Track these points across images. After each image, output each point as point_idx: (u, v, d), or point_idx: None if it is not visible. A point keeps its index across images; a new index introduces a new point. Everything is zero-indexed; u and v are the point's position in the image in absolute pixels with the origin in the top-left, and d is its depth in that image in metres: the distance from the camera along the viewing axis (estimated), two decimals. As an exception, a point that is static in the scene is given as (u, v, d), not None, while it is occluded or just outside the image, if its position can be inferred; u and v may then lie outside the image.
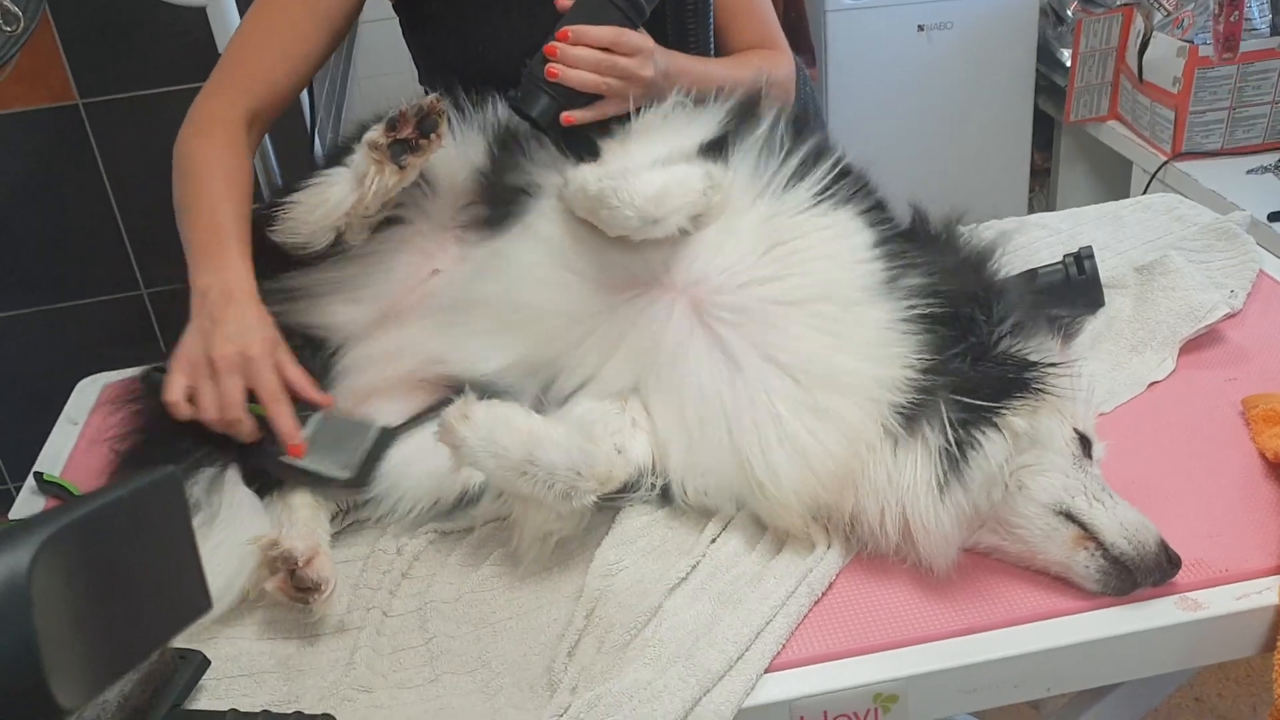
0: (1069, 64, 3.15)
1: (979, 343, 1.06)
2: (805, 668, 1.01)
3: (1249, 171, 2.74)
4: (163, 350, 1.24)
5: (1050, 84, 3.35)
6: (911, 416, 1.05)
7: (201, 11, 1.98)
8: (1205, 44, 2.78)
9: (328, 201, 1.23)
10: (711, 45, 1.51)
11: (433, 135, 1.20)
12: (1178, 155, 2.83)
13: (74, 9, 2.15)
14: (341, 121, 2.82)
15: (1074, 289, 1.41)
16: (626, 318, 1.16)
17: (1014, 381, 1.05)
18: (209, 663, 1.05)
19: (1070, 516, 1.04)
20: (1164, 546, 1.02)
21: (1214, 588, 1.04)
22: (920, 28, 3.20)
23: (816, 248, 1.13)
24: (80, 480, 1.34)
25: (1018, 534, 1.05)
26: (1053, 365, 1.08)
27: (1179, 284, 1.39)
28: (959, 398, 1.04)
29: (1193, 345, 1.36)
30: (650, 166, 1.12)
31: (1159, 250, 1.54)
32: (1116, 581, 1.02)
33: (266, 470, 1.20)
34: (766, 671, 1.00)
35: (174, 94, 2.26)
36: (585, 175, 1.11)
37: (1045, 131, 3.53)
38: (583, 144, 1.26)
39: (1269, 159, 2.78)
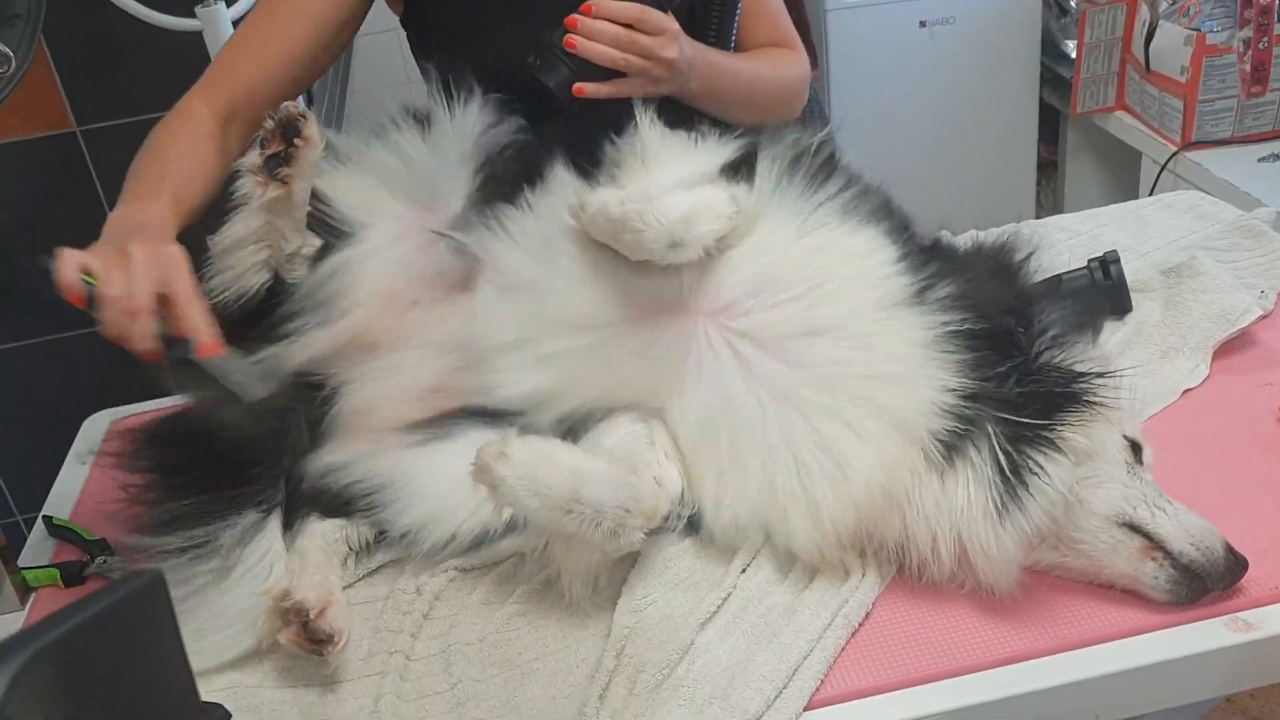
0: (1074, 56, 3.11)
1: (1023, 360, 1.03)
2: (845, 704, 0.98)
3: (1260, 159, 2.71)
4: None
5: (1055, 76, 3.32)
6: (954, 443, 1.02)
7: (197, 35, 1.95)
8: (1212, 31, 2.75)
9: (234, 237, 1.21)
10: (733, 42, 1.49)
11: (297, 140, 1.17)
12: (1188, 145, 2.79)
13: (68, 36, 2.12)
14: (342, 133, 2.80)
15: (1100, 295, 1.38)
16: (651, 343, 1.12)
17: (1065, 396, 1.02)
18: (229, 716, 1.01)
19: (1134, 527, 1.02)
20: (1230, 549, 1.00)
21: (1265, 607, 1.01)
22: (922, 23, 3.17)
23: (843, 267, 1.10)
24: (90, 522, 1.31)
25: (1080, 549, 1.02)
26: (1100, 375, 1.04)
27: (1209, 286, 1.36)
28: (1008, 417, 1.01)
29: (1224, 349, 1.33)
30: (673, 189, 1.08)
31: (1184, 251, 1.50)
32: (1188, 590, 1.00)
33: (166, 382, 1.17)
34: (806, 709, 0.96)
35: (172, 118, 2.23)
36: (606, 198, 1.07)
37: (1051, 124, 3.50)
38: (588, 149, 1.22)
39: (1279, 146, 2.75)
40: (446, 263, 1.25)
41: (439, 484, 1.15)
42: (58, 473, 1.45)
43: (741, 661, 1.00)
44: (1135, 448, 1.06)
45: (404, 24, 1.55)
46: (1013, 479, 0.99)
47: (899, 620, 1.04)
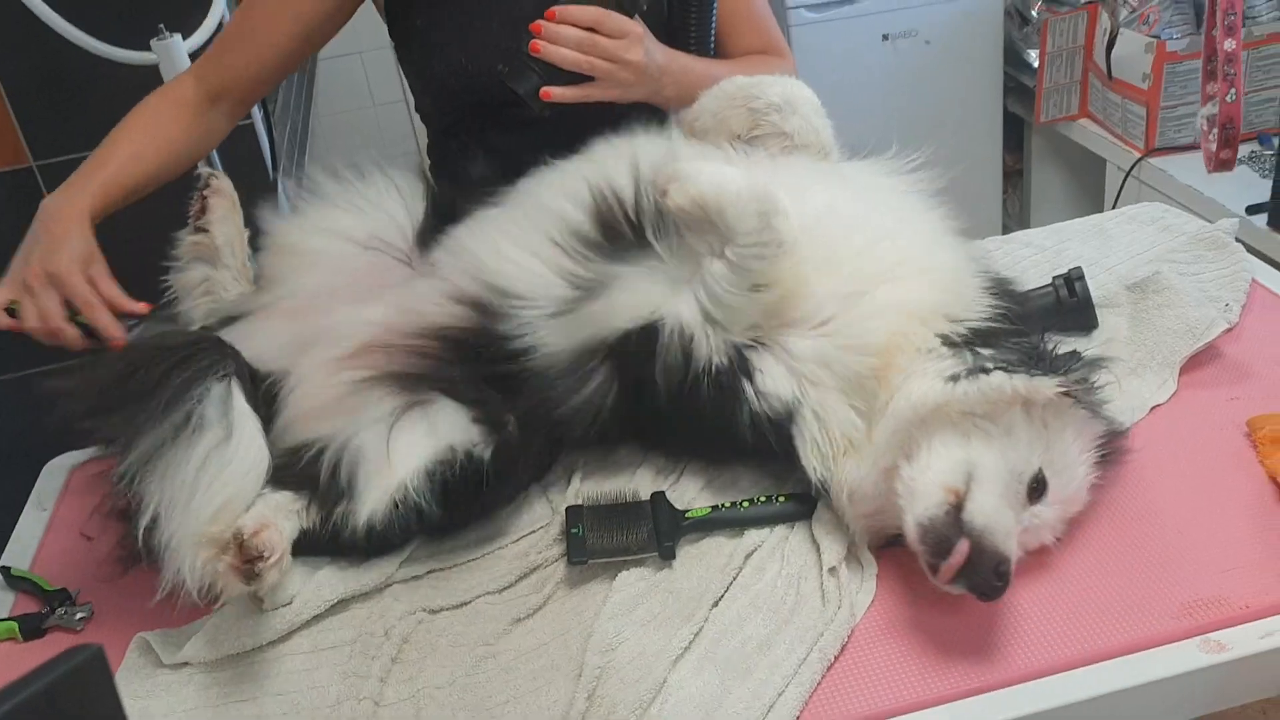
0: (1036, 65, 3.13)
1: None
2: (820, 740, 0.97)
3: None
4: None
5: (1019, 85, 3.34)
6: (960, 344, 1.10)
7: (153, 69, 1.93)
8: (1172, 38, 2.77)
9: (182, 286, 1.45)
10: (711, 47, 1.50)
11: (205, 192, 1.42)
12: (1151, 151, 2.81)
13: (21, 71, 2.09)
14: (305, 160, 2.77)
15: (1065, 312, 1.38)
16: None
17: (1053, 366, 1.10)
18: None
19: (971, 477, 1.03)
20: (1002, 565, 0.99)
21: (1237, 627, 1.00)
22: (885, 36, 3.18)
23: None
24: (50, 572, 1.28)
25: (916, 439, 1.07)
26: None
27: (1174, 301, 1.36)
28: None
29: (1190, 364, 1.33)
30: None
31: (1148, 264, 1.50)
32: (935, 534, 1.01)
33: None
34: (782, 747, 0.95)
35: (131, 151, 2.20)
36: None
37: (1016, 133, 3.51)
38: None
39: (1243, 150, 2.76)
40: (388, 268, 1.34)
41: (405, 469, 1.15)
42: (16, 520, 1.43)
43: (716, 698, 0.99)
44: (1039, 484, 1.06)
45: (390, 31, 1.57)
46: (977, 372, 1.06)
47: (874, 653, 1.03)
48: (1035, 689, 0.98)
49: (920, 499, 1.04)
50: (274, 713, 1.07)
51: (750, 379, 1.13)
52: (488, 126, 1.49)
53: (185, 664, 1.12)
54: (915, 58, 3.21)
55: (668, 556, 1.15)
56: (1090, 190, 3.26)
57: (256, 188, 1.93)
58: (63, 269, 1.27)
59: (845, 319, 1.13)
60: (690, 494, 1.23)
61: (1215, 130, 1.54)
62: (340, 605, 1.17)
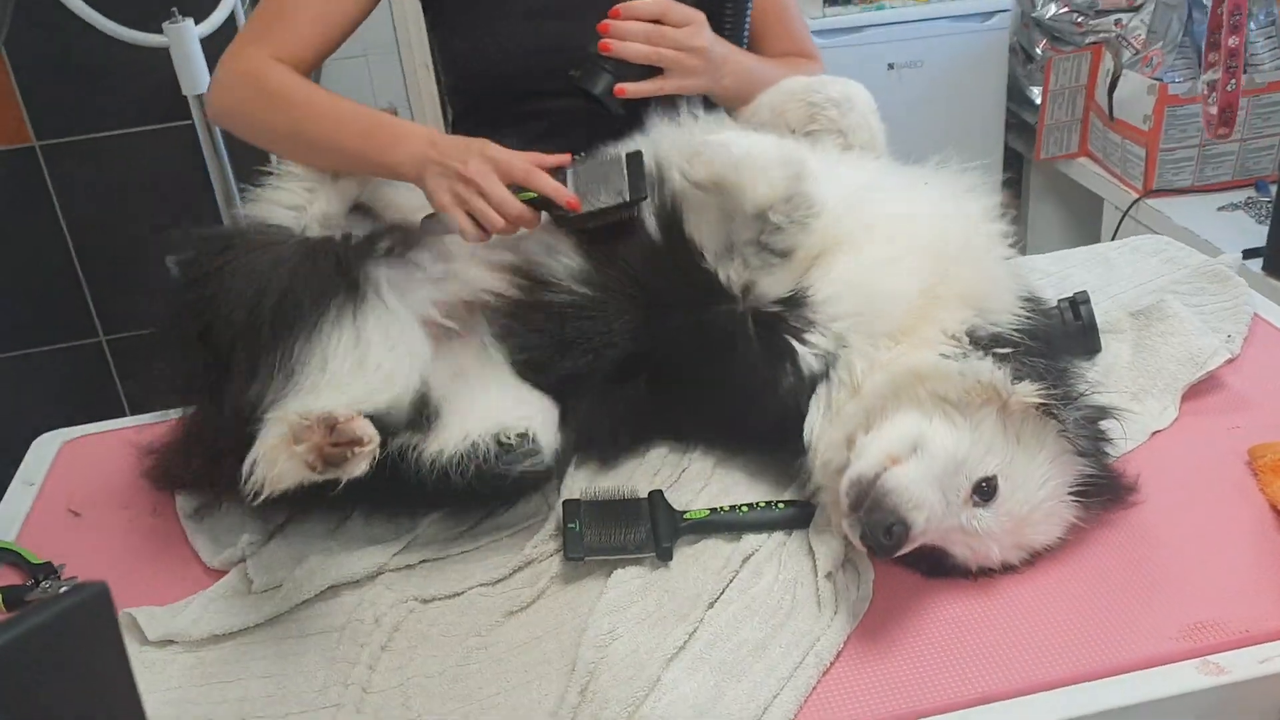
0: (1039, 102, 3.15)
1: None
2: (814, 745, 0.96)
3: (1220, 208, 2.74)
4: (122, 400, 1.19)
5: (1020, 122, 3.36)
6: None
7: (164, 51, 1.93)
8: (1175, 82, 2.79)
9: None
10: (745, 44, 1.53)
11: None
12: (1149, 192, 2.83)
13: (30, 48, 2.08)
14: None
15: (1069, 335, 1.38)
16: None
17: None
18: (176, 749, 0.98)
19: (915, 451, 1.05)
20: (896, 526, 1.00)
21: (1235, 650, 1.00)
22: (891, 66, 3.19)
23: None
24: (36, 546, 1.26)
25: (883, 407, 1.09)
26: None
27: (1178, 329, 1.36)
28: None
29: (1192, 393, 1.33)
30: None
31: (1151, 293, 1.51)
32: (858, 488, 1.02)
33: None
34: (775, 750, 0.94)
35: (134, 136, 2.19)
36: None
37: (1015, 169, 3.53)
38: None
39: (1239, 196, 2.79)
40: None
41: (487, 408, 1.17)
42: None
43: (710, 699, 0.98)
44: (988, 486, 1.06)
45: (424, 9, 1.56)
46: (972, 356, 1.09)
47: (870, 660, 1.02)
48: (1032, 703, 0.97)
49: (862, 460, 1.05)
50: (258, 695, 1.05)
51: (798, 336, 1.15)
52: (502, 120, 1.48)
53: (170, 642, 1.11)
54: (919, 88, 3.22)
55: (665, 558, 1.14)
56: (1087, 228, 3.28)
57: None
58: (493, 152, 1.21)
59: (882, 273, 1.15)
60: (687, 496, 1.22)
61: (1215, 95, 1.55)
62: (330, 591, 1.15)
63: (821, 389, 1.14)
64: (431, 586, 1.15)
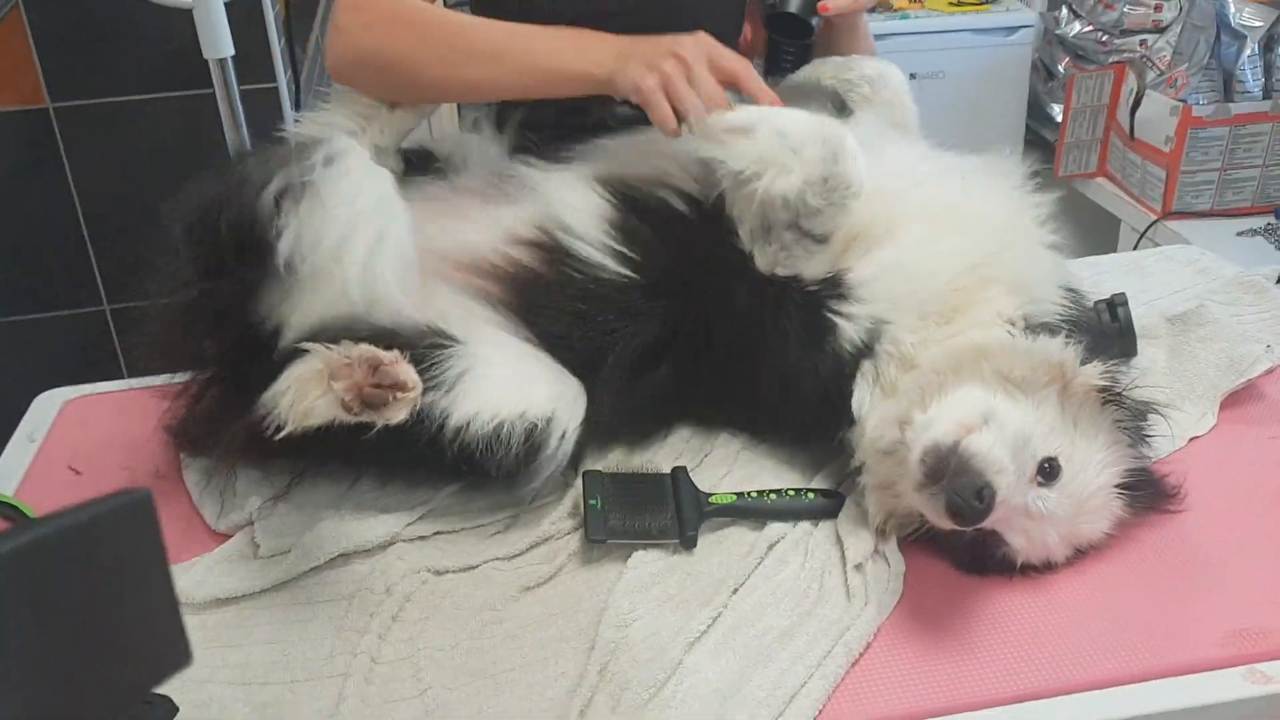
0: (1059, 119, 3.13)
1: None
2: (843, 735, 0.92)
3: (1239, 234, 2.72)
4: (123, 369, 1.14)
5: (1039, 138, 3.34)
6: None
7: (187, 14, 1.89)
8: (1199, 104, 2.77)
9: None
10: None
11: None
12: (1168, 214, 2.81)
13: (49, 7, 2.04)
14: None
15: (1105, 337, 1.34)
16: None
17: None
18: (176, 709, 0.94)
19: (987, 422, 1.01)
20: (986, 490, 0.95)
21: (1281, 659, 0.96)
22: (913, 76, 3.16)
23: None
24: (36, 501, 1.22)
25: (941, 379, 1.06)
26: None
27: (1217, 335, 1.33)
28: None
29: (1231, 401, 1.30)
30: None
31: (1186, 301, 1.48)
32: (935, 455, 0.98)
33: None
34: (803, 738, 0.90)
35: (151, 102, 2.15)
36: None
37: (1032, 186, 3.51)
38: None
39: (1258, 222, 2.76)
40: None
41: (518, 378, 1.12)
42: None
43: (734, 684, 0.94)
44: (1051, 466, 1.03)
45: None
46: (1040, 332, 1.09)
47: (902, 652, 0.98)
48: (1073, 703, 0.93)
49: (934, 428, 1.01)
50: (261, 661, 1.01)
51: (838, 310, 1.12)
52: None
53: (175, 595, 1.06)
54: (940, 100, 3.20)
55: (689, 546, 1.10)
56: (1103, 248, 3.24)
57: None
58: (706, 39, 1.16)
59: (923, 253, 1.12)
60: (711, 481, 1.19)
61: None
62: (340, 559, 1.11)
63: (867, 365, 1.11)
64: (445, 558, 1.11)
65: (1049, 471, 1.02)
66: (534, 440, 1.10)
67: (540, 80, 1.22)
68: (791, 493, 1.15)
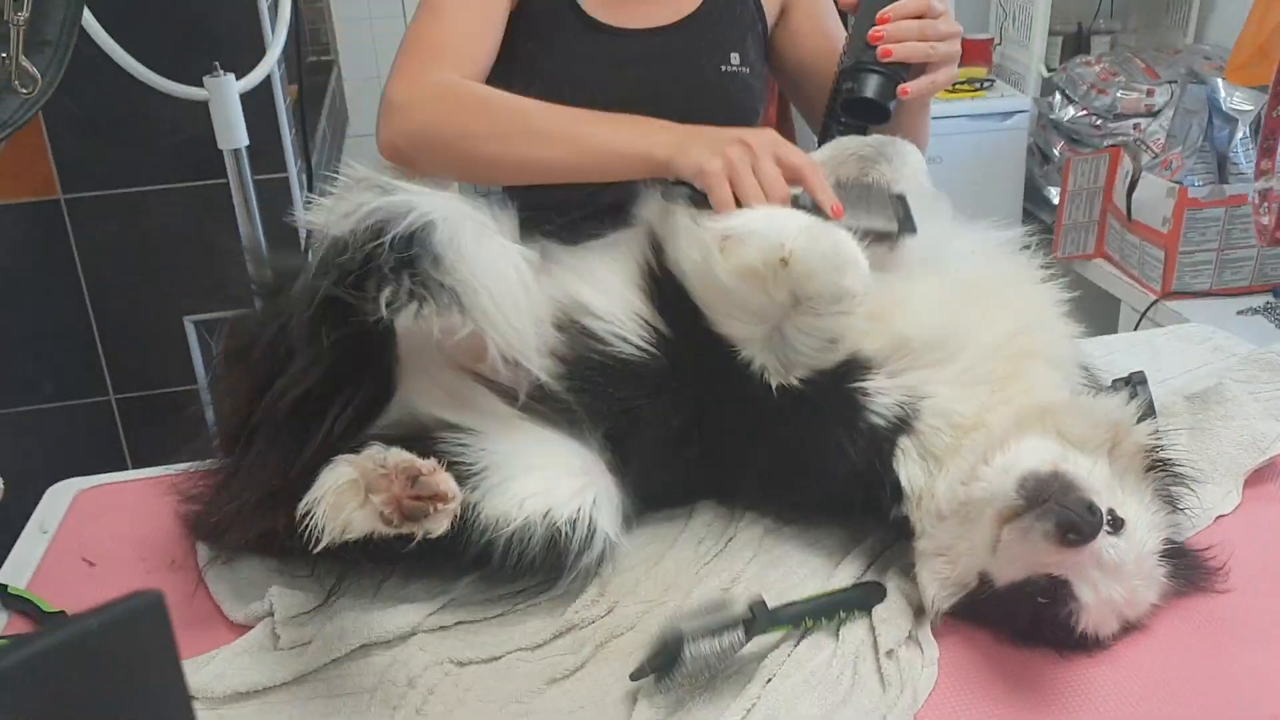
0: (1056, 202, 3.17)
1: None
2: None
3: (1239, 312, 2.74)
4: (127, 460, 1.13)
5: (1036, 221, 3.38)
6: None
7: (197, 105, 1.92)
8: (1194, 185, 2.81)
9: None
10: None
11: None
12: (1167, 294, 2.83)
13: (65, 98, 2.06)
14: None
15: (1125, 416, 1.34)
16: None
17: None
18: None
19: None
20: (1094, 505, 0.95)
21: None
22: (910, 161, 3.22)
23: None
24: (49, 594, 1.20)
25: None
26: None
27: (1237, 413, 1.33)
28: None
29: (1252, 479, 1.29)
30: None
31: (1201, 380, 1.48)
32: (1035, 480, 0.99)
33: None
34: (843, 833, 0.88)
35: (160, 193, 2.17)
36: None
37: (1030, 268, 3.54)
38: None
39: (1258, 301, 2.79)
40: None
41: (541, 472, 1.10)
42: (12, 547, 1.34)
43: (770, 776, 0.92)
44: (1117, 520, 1.02)
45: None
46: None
47: (939, 740, 0.96)
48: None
49: (1021, 463, 1.01)
50: (282, 756, 0.99)
51: (862, 391, 1.11)
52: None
53: (190, 699, 1.04)
54: (938, 184, 3.23)
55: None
56: (1103, 329, 3.26)
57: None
58: (772, 134, 1.17)
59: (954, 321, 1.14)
60: (738, 566, 1.17)
61: (1267, 205, 1.54)
62: (361, 651, 1.09)
63: (905, 440, 1.10)
64: (468, 649, 1.09)
65: (1116, 523, 1.02)
66: (559, 545, 1.10)
67: (599, 161, 1.22)
68: (834, 592, 1.12)
